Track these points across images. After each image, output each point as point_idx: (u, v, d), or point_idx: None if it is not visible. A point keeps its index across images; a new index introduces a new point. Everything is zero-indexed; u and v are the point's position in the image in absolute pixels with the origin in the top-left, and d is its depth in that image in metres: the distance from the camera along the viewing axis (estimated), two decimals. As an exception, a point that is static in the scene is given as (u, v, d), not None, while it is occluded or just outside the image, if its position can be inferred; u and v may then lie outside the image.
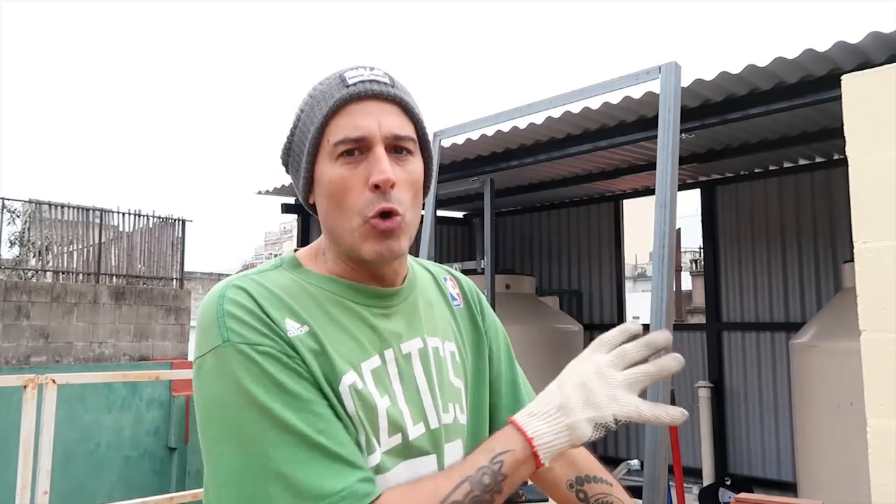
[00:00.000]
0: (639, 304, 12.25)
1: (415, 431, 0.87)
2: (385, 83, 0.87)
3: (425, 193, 0.95)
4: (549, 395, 0.82)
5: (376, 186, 0.83)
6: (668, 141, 3.20)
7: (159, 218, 10.59)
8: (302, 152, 0.88)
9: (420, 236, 4.07)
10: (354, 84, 0.85)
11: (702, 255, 8.45)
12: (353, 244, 0.85)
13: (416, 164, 0.89)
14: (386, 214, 0.83)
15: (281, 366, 0.78)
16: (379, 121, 0.85)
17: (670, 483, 4.41)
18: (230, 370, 0.77)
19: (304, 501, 0.73)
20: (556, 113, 4.33)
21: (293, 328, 0.82)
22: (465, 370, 1.00)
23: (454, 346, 0.99)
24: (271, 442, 0.74)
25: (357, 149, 0.84)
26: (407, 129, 0.87)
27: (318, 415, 0.77)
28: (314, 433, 0.75)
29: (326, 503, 0.73)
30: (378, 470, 0.82)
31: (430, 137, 0.94)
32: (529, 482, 0.95)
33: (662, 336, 0.85)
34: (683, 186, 6.77)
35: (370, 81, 0.86)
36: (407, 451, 0.86)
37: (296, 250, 0.96)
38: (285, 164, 0.94)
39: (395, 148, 0.86)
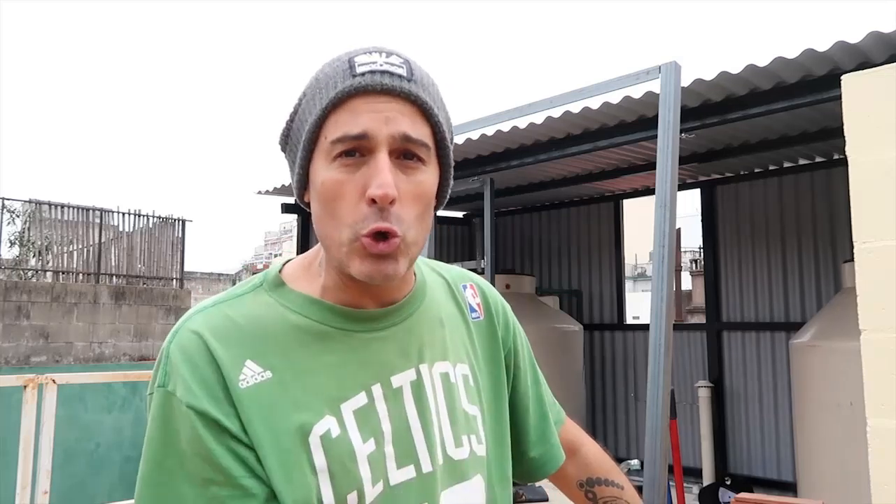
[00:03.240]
0: (639, 303, 12.25)
1: (399, 476, 0.76)
2: (400, 75, 0.73)
3: (439, 206, 0.83)
4: None
5: (373, 201, 0.71)
6: (668, 141, 3.20)
7: (159, 218, 10.60)
8: (298, 143, 0.76)
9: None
10: (363, 74, 0.72)
11: (702, 255, 8.44)
12: (342, 259, 0.74)
13: (427, 174, 0.75)
14: (381, 235, 0.71)
15: (196, 436, 0.70)
16: (386, 120, 0.72)
17: (670, 483, 4.41)
18: (153, 417, 0.72)
19: None
20: (556, 113, 4.33)
21: (251, 374, 0.72)
22: (479, 393, 0.89)
23: (467, 367, 0.88)
24: None
25: (357, 149, 0.72)
26: (420, 133, 0.74)
27: (218, 499, 0.69)
28: None
29: None
30: None
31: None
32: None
33: None
34: (683, 186, 6.77)
35: (382, 73, 0.72)
36: (391, 499, 0.75)
37: (288, 261, 0.86)
38: (283, 149, 0.83)
39: (405, 153, 0.73)
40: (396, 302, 0.83)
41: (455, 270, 0.99)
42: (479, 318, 0.94)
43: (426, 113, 0.75)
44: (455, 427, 0.83)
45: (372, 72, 0.72)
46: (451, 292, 0.94)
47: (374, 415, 0.76)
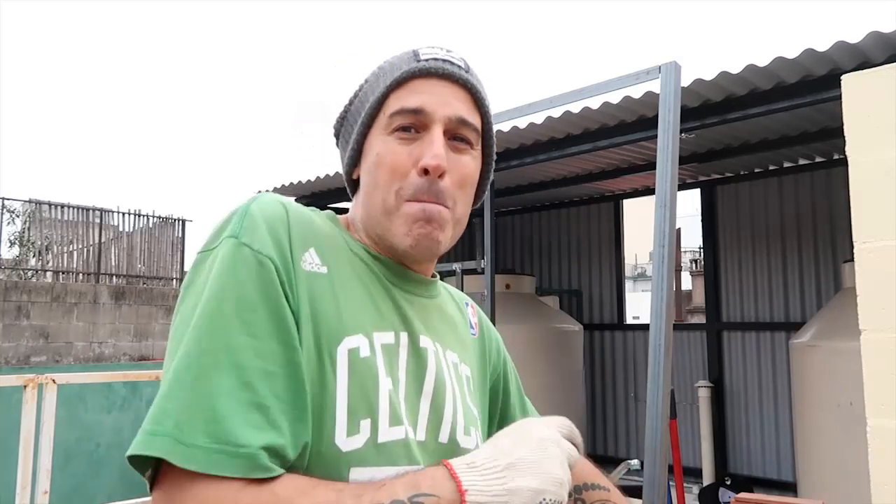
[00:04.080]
0: (639, 304, 12.26)
1: (408, 433, 0.76)
2: (459, 66, 0.80)
3: (478, 198, 0.86)
4: (499, 448, 0.68)
5: (426, 171, 0.75)
6: (668, 141, 3.20)
7: (159, 218, 10.60)
8: (356, 122, 0.82)
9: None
10: (426, 60, 0.79)
11: (702, 255, 8.45)
12: (386, 229, 0.78)
13: (473, 159, 0.81)
14: (429, 210, 0.76)
15: (267, 284, 0.67)
16: (444, 103, 0.77)
17: (670, 483, 4.40)
18: (221, 263, 0.68)
19: (217, 430, 0.62)
20: (556, 113, 4.33)
21: (311, 263, 0.72)
22: (477, 398, 0.91)
23: (469, 370, 0.90)
24: (214, 361, 0.64)
25: (413, 126, 0.77)
26: (473, 119, 0.80)
27: (274, 353, 0.66)
28: (257, 374, 0.64)
29: (242, 451, 0.61)
30: (360, 460, 0.69)
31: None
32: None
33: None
34: (683, 186, 6.77)
35: (444, 61, 0.79)
36: (408, 453, 0.72)
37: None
38: (337, 134, 0.88)
39: (456, 136, 0.78)
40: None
41: (456, 290, 1.03)
42: (475, 335, 0.97)
43: (478, 102, 0.81)
44: (466, 416, 0.83)
45: (435, 59, 0.79)
46: (457, 304, 0.97)
47: (395, 358, 0.76)
